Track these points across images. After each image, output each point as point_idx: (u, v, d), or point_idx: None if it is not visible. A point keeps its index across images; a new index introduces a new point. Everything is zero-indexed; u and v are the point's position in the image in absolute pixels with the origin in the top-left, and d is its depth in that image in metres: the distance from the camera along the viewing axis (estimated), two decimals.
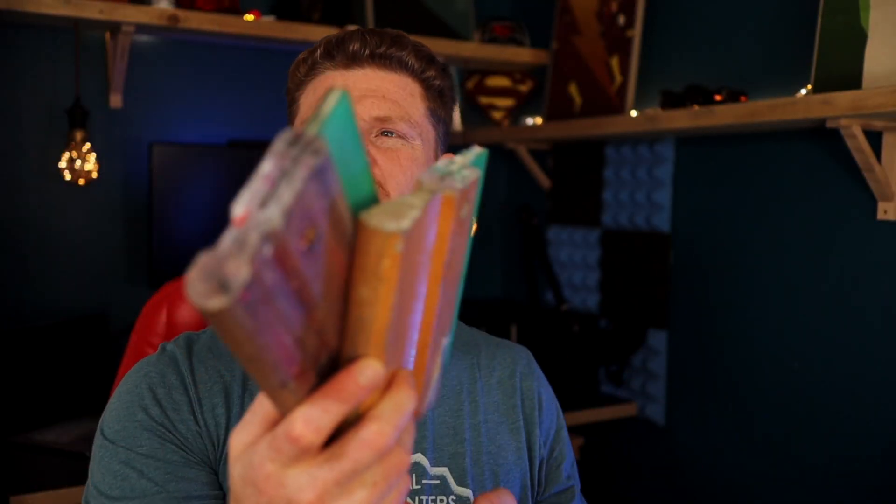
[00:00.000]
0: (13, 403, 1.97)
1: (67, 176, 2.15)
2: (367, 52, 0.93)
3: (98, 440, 0.88)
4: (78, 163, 2.14)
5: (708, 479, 2.16)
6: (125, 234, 2.36)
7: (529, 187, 2.81)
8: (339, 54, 0.94)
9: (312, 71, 0.96)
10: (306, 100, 0.96)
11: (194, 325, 1.33)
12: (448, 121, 1.03)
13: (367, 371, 0.44)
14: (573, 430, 2.50)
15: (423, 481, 0.93)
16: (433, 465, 0.94)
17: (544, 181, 2.72)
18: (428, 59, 0.98)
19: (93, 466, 0.87)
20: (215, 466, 0.87)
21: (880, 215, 1.74)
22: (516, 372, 1.07)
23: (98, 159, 2.20)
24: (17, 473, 1.78)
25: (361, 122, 0.92)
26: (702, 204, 2.18)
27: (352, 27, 0.98)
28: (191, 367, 0.91)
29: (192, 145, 2.34)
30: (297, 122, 0.97)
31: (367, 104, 0.92)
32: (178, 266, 2.17)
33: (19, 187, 2.22)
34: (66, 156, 2.15)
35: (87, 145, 2.16)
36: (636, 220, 2.36)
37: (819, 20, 1.73)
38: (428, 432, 0.96)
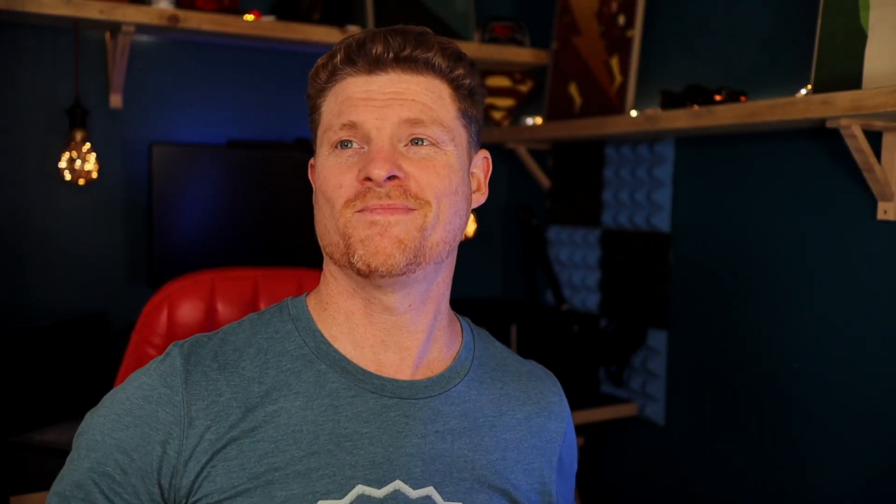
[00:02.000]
0: (13, 403, 1.97)
1: (67, 176, 2.15)
2: (390, 55, 0.89)
3: (77, 444, 0.89)
4: (78, 163, 2.14)
5: (708, 479, 2.16)
6: (125, 234, 2.36)
7: (529, 187, 2.81)
8: (361, 59, 0.89)
9: (333, 77, 0.91)
10: (328, 107, 0.92)
11: (195, 325, 1.33)
12: (480, 119, 0.98)
13: None
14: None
15: None
16: (447, 499, 0.90)
17: (544, 181, 2.72)
18: (456, 56, 0.92)
19: (63, 472, 0.88)
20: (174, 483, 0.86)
21: (880, 215, 1.74)
22: (545, 410, 1.01)
23: (98, 159, 2.20)
24: (17, 473, 1.78)
25: (391, 133, 0.87)
26: (702, 204, 2.18)
27: (370, 29, 0.96)
28: (186, 392, 0.88)
29: (192, 145, 2.34)
30: (321, 130, 0.93)
31: (395, 108, 0.88)
32: (178, 266, 2.17)
33: (19, 187, 2.22)
34: (66, 156, 2.15)
35: (87, 145, 2.16)
36: (636, 220, 2.37)
37: (819, 20, 1.73)
38: (444, 465, 0.91)
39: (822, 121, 1.68)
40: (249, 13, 2.26)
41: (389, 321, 0.92)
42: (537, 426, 0.99)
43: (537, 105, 2.77)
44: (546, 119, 2.59)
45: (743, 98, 1.94)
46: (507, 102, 2.79)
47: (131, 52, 2.29)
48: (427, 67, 0.90)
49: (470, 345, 1.01)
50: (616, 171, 2.44)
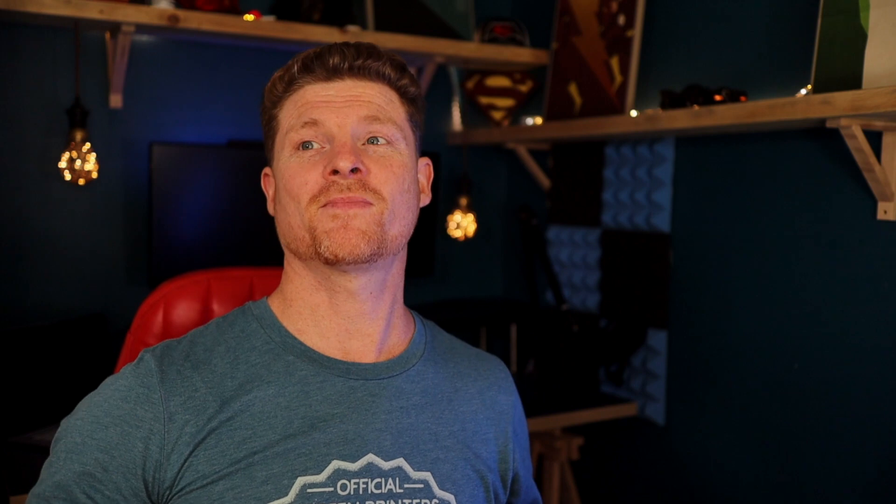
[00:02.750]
0: (13, 403, 1.97)
1: (67, 176, 2.15)
2: (346, 64, 0.97)
3: (56, 448, 0.92)
4: (78, 163, 2.14)
5: (708, 479, 2.16)
6: (125, 234, 2.36)
7: (529, 187, 2.81)
8: (319, 68, 0.97)
9: (291, 86, 0.99)
10: (287, 113, 0.98)
11: (190, 326, 1.32)
12: (422, 127, 1.08)
13: None
14: (573, 430, 2.50)
15: (406, 486, 0.95)
16: (416, 469, 0.96)
17: (544, 181, 2.72)
18: (401, 68, 1.01)
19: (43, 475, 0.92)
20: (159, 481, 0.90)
21: (880, 215, 1.74)
22: (494, 384, 1.11)
23: (98, 159, 2.20)
24: (17, 473, 1.78)
25: (351, 130, 0.95)
26: (702, 204, 2.18)
27: (350, 28, 1.01)
28: (163, 390, 0.93)
29: (192, 145, 2.34)
30: (280, 135, 0.99)
31: (354, 108, 0.96)
32: (178, 266, 2.17)
33: (19, 187, 2.22)
34: (66, 156, 2.15)
35: (87, 145, 2.16)
36: (636, 220, 2.36)
37: (819, 20, 1.73)
38: (411, 437, 0.98)
39: (822, 121, 1.68)
40: (249, 13, 2.26)
41: (353, 309, 1.00)
42: (490, 399, 1.09)
43: (537, 105, 2.77)
44: (546, 119, 2.59)
45: (743, 98, 1.94)
46: (507, 102, 2.79)
47: (131, 52, 2.29)
48: (378, 76, 0.99)
49: (422, 331, 1.10)
50: (616, 171, 2.44)
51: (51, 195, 2.26)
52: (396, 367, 1.02)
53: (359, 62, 0.97)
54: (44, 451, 1.86)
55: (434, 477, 0.97)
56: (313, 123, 0.95)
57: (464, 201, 2.77)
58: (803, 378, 1.92)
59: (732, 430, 2.08)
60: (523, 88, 2.78)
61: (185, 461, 0.89)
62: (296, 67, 0.98)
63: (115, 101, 2.30)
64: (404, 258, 1.07)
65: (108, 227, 2.34)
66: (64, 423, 0.94)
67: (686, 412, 2.23)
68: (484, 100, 2.80)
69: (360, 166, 0.93)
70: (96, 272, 2.32)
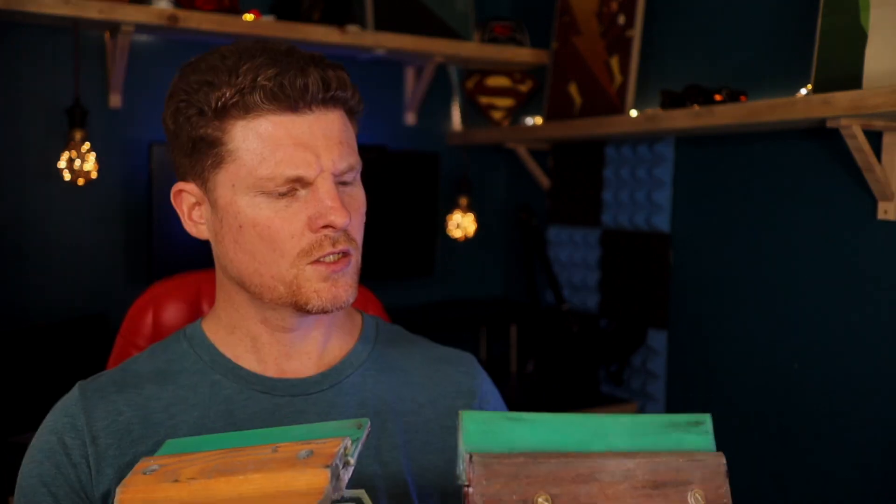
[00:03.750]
0: (13, 403, 1.97)
1: (67, 176, 2.15)
2: (318, 95, 0.89)
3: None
4: (77, 163, 2.14)
5: None
6: (125, 234, 2.36)
7: (529, 187, 2.81)
8: (283, 95, 0.87)
9: (248, 113, 0.88)
10: (250, 147, 0.88)
11: (180, 327, 1.31)
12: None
13: None
14: None
15: None
16: (349, 486, 0.93)
17: (544, 181, 2.72)
18: (354, 87, 0.94)
19: None
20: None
21: (880, 215, 1.74)
22: (451, 391, 1.04)
23: (98, 159, 2.20)
24: (16, 474, 1.78)
25: (332, 178, 0.89)
26: (702, 204, 2.18)
27: (278, 60, 0.91)
28: (86, 416, 0.93)
29: None
30: (241, 171, 0.88)
31: (334, 156, 0.89)
32: (177, 266, 2.17)
33: (19, 187, 2.22)
34: (65, 156, 2.14)
35: (87, 145, 2.16)
36: (636, 220, 2.36)
37: (819, 20, 1.73)
38: None
39: (822, 121, 1.68)
40: (249, 13, 2.26)
41: (294, 336, 0.98)
42: (444, 407, 1.02)
43: (537, 105, 2.76)
44: (546, 119, 2.59)
45: (743, 98, 1.94)
46: (507, 102, 2.79)
47: (131, 52, 2.29)
48: (342, 103, 0.93)
49: (370, 338, 1.05)
50: (616, 171, 2.44)
51: (50, 195, 2.25)
52: (326, 381, 0.98)
53: (330, 94, 0.90)
54: None
55: (369, 494, 0.91)
56: (297, 180, 0.88)
57: (464, 201, 2.77)
58: (803, 378, 1.92)
59: (732, 430, 2.08)
60: (523, 88, 2.78)
61: (111, 484, 0.90)
62: (258, 96, 0.87)
63: (115, 100, 2.30)
64: None
65: (108, 227, 2.34)
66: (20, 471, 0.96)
67: (686, 412, 2.22)
68: (484, 100, 2.80)
69: (349, 219, 0.90)
70: (96, 272, 2.32)
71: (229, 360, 0.98)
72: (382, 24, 2.50)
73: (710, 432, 0.72)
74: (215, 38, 2.33)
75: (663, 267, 2.28)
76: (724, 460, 0.70)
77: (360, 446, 0.70)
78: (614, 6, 2.37)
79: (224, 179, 0.90)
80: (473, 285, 2.95)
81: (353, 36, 2.38)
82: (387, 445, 0.96)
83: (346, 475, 0.68)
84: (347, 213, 0.89)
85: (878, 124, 1.66)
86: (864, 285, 1.79)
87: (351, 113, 0.96)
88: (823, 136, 1.84)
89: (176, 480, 0.67)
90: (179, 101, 0.91)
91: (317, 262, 0.90)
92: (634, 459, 0.67)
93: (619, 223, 2.44)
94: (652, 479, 0.67)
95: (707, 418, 0.73)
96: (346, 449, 0.67)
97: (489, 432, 0.66)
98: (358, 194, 0.95)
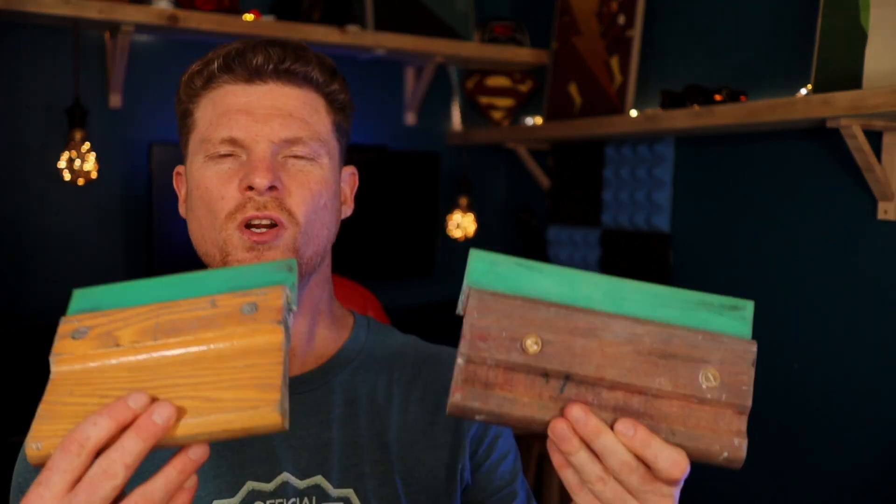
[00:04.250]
0: (13, 403, 1.97)
1: (67, 176, 2.15)
2: (270, 66, 0.90)
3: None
4: (77, 163, 2.14)
5: (707, 478, 2.16)
6: (125, 234, 2.36)
7: (529, 187, 2.81)
8: (240, 68, 0.90)
9: (209, 84, 0.92)
10: (204, 115, 0.91)
11: None
12: (349, 134, 1.01)
13: (135, 396, 0.58)
14: None
15: None
16: (337, 486, 0.92)
17: (544, 181, 2.72)
18: (332, 71, 0.94)
19: None
20: None
21: (880, 215, 1.74)
22: (442, 388, 1.01)
23: (97, 159, 2.20)
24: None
25: (267, 144, 0.88)
26: (702, 204, 2.18)
27: (247, 40, 0.94)
28: None
29: None
30: (196, 138, 0.92)
31: (275, 125, 0.89)
32: (177, 266, 2.17)
33: (19, 187, 2.22)
34: (65, 155, 2.14)
35: (87, 145, 2.16)
36: (636, 220, 2.36)
37: (819, 20, 1.73)
38: (332, 453, 0.93)
39: (822, 121, 1.68)
40: (249, 13, 2.26)
41: None
42: (432, 405, 1.00)
43: (537, 105, 2.76)
44: (546, 119, 2.59)
45: (743, 98, 1.94)
46: (507, 102, 2.79)
47: (131, 52, 2.29)
48: (305, 81, 0.92)
49: (359, 338, 1.03)
50: (616, 171, 2.44)
51: (50, 195, 2.25)
52: (315, 381, 0.96)
53: (284, 65, 0.90)
54: None
55: (357, 493, 0.92)
56: (231, 142, 0.89)
57: (464, 201, 2.77)
58: (803, 378, 1.92)
59: None
60: (523, 88, 2.78)
61: None
62: (216, 64, 0.91)
63: (115, 101, 2.30)
64: (327, 267, 1.01)
65: (108, 227, 2.34)
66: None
67: None
68: (484, 100, 2.80)
69: (278, 184, 0.87)
70: (96, 272, 2.32)
71: None
72: (382, 24, 2.50)
73: (747, 319, 0.64)
74: (215, 38, 2.33)
75: (663, 267, 2.28)
76: (754, 348, 0.63)
77: (297, 291, 0.66)
78: (614, 6, 2.37)
79: (189, 150, 0.94)
80: None
81: (353, 36, 2.38)
82: (376, 444, 0.95)
83: (292, 324, 0.67)
84: (273, 176, 0.86)
85: (878, 124, 1.66)
86: (864, 285, 1.79)
87: (330, 101, 0.94)
88: (823, 136, 1.84)
89: (117, 345, 0.63)
90: (177, 88, 0.96)
91: (245, 228, 0.88)
92: (645, 326, 0.62)
93: (619, 223, 2.44)
94: (661, 348, 0.61)
95: (748, 305, 0.65)
96: (288, 298, 0.65)
97: (495, 273, 0.63)
98: (311, 171, 0.91)
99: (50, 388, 0.62)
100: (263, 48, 0.90)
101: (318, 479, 0.91)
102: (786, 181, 1.95)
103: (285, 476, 0.91)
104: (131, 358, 0.62)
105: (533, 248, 2.64)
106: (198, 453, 0.60)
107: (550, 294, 0.63)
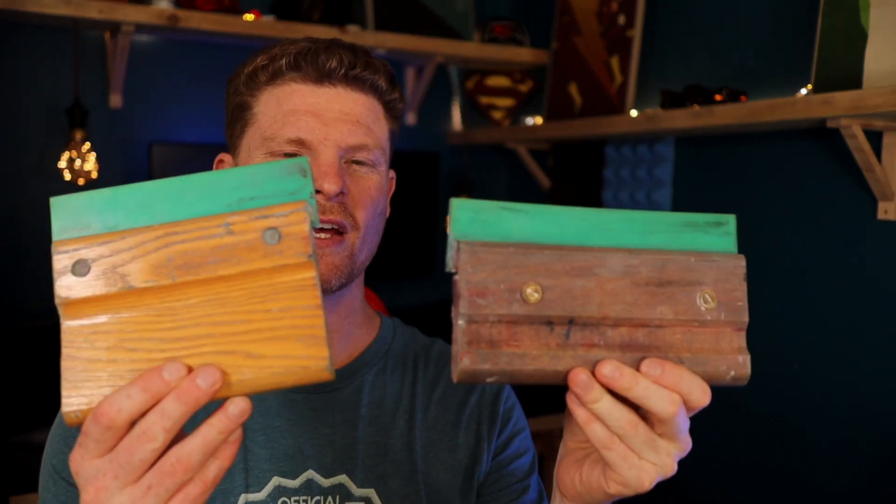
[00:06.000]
0: (13, 403, 1.97)
1: (67, 176, 2.15)
2: (342, 71, 0.90)
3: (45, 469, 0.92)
4: (77, 162, 2.14)
5: (708, 478, 2.16)
6: None
7: (529, 187, 2.81)
8: (310, 67, 0.90)
9: (275, 79, 0.91)
10: (268, 111, 0.91)
11: None
12: (396, 141, 1.03)
13: (171, 367, 0.53)
14: None
15: (347, 503, 0.92)
16: (360, 486, 0.93)
17: (544, 181, 2.72)
18: (393, 80, 0.96)
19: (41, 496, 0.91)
20: None
21: (881, 215, 1.74)
22: (464, 386, 1.03)
23: (98, 159, 2.20)
24: (16, 474, 1.78)
25: (336, 150, 0.89)
26: (702, 204, 2.18)
27: (315, 38, 0.95)
28: None
29: (192, 145, 2.34)
30: (257, 134, 0.91)
31: (343, 130, 0.90)
32: None
33: (19, 187, 2.22)
34: (65, 155, 2.15)
35: (87, 145, 2.16)
36: None
37: (819, 20, 1.73)
38: (356, 452, 0.94)
39: (823, 121, 1.68)
40: (249, 13, 2.26)
41: None
42: (454, 405, 1.01)
43: (537, 105, 2.76)
44: (546, 119, 2.59)
45: (743, 98, 1.94)
46: (507, 102, 2.79)
47: (131, 52, 2.29)
48: (371, 88, 0.93)
49: (386, 339, 1.04)
50: (616, 171, 2.44)
51: (50, 195, 2.24)
52: (342, 380, 0.97)
53: (355, 71, 0.90)
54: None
55: (379, 493, 0.93)
56: (299, 142, 0.89)
57: None
58: (803, 378, 1.92)
59: (732, 430, 2.08)
60: (523, 88, 2.78)
61: None
62: (284, 61, 0.90)
63: (115, 100, 2.30)
64: (362, 272, 1.02)
65: None
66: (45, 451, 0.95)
67: None
68: (484, 100, 2.80)
69: (345, 190, 0.89)
70: None
71: None
72: (382, 24, 2.50)
73: (731, 234, 0.66)
74: (215, 38, 2.33)
75: None
76: (743, 262, 0.65)
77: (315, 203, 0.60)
78: (614, 6, 2.37)
79: (245, 143, 0.93)
80: None
81: (353, 36, 2.38)
82: (400, 445, 0.96)
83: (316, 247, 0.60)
84: (342, 181, 0.87)
85: (878, 124, 1.66)
86: (865, 285, 1.79)
87: (386, 107, 0.96)
88: (824, 136, 1.84)
89: (130, 287, 0.55)
90: (230, 78, 0.96)
91: None
92: (639, 256, 0.61)
93: None
94: (657, 276, 0.61)
95: (731, 219, 0.67)
96: (311, 220, 0.58)
97: (481, 221, 0.60)
98: (371, 178, 0.92)
99: (66, 338, 0.55)
100: (337, 51, 0.90)
101: (343, 479, 0.93)
102: (786, 181, 1.95)
103: (310, 473, 0.92)
104: (150, 303, 0.56)
105: None
106: (238, 410, 0.54)
107: (541, 235, 0.61)
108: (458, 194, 2.77)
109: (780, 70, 1.96)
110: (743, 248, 2.21)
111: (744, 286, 0.64)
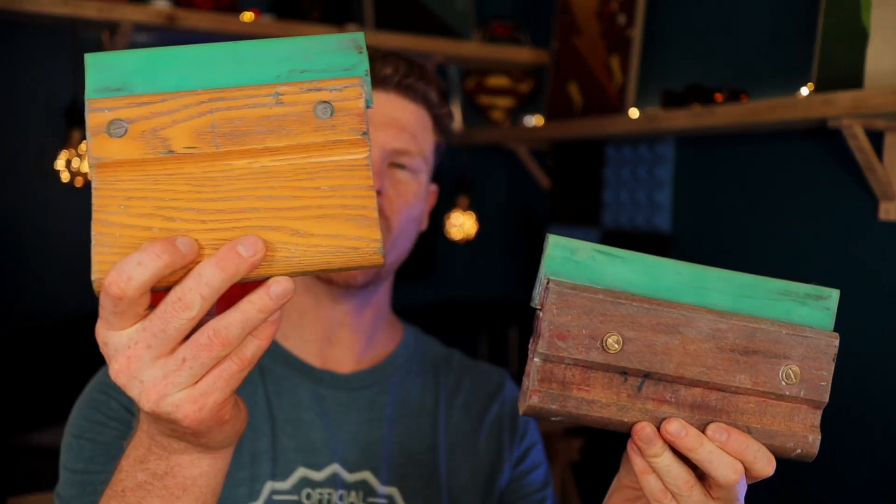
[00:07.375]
0: (13, 403, 1.97)
1: (65, 176, 2.15)
2: (396, 79, 0.94)
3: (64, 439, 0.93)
4: (76, 163, 2.13)
5: None
6: None
7: (529, 187, 2.81)
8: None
9: None
10: None
11: None
12: (442, 155, 1.06)
13: (183, 239, 0.49)
14: (573, 432, 2.49)
15: (370, 499, 0.93)
16: (384, 483, 0.95)
17: (544, 181, 2.72)
18: (444, 94, 1.00)
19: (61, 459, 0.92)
20: None
21: (882, 215, 1.74)
22: (484, 396, 1.06)
23: None
24: (16, 474, 1.78)
25: (379, 151, 0.92)
26: (702, 204, 2.18)
27: (374, 47, 0.98)
28: None
29: None
30: None
31: (389, 134, 0.93)
32: None
33: (17, 187, 2.22)
34: (63, 156, 2.14)
35: (85, 145, 2.16)
36: (636, 220, 2.36)
37: (820, 19, 1.73)
38: (381, 451, 0.96)
39: (824, 121, 1.68)
40: (248, 12, 2.26)
41: (334, 317, 0.99)
42: (476, 412, 1.04)
43: (537, 105, 2.76)
44: (546, 119, 2.58)
45: (743, 98, 1.94)
46: (507, 102, 2.78)
47: None
48: (422, 98, 0.97)
49: (409, 345, 1.07)
50: (616, 171, 2.43)
51: (48, 195, 2.25)
52: (370, 379, 1.00)
53: (408, 80, 0.95)
54: (43, 452, 1.85)
55: (402, 492, 0.95)
56: None
57: (464, 201, 2.76)
58: None
59: None
60: (523, 88, 2.78)
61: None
62: None
63: None
64: (392, 277, 1.06)
65: None
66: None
67: None
68: (484, 100, 2.79)
69: (382, 190, 0.92)
70: None
71: (277, 344, 0.98)
72: (382, 24, 2.49)
73: (831, 309, 0.63)
74: (214, 38, 2.33)
75: None
76: (836, 342, 0.62)
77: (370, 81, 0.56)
78: (614, 6, 2.37)
79: None
80: (473, 286, 2.94)
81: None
82: (424, 447, 0.98)
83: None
84: (380, 181, 0.91)
85: (879, 124, 1.66)
86: (866, 285, 1.78)
87: (435, 119, 1.00)
88: (824, 136, 1.84)
89: (170, 151, 0.51)
90: None
91: None
92: (729, 321, 0.59)
93: (619, 223, 2.44)
94: (744, 344, 0.59)
95: (833, 294, 0.64)
96: (366, 98, 0.54)
97: (574, 262, 0.60)
98: (410, 183, 0.95)
99: (97, 202, 0.51)
100: (393, 60, 0.94)
101: (367, 475, 0.94)
102: (787, 181, 1.95)
103: (336, 468, 0.93)
104: (191, 172, 0.51)
105: (533, 248, 2.64)
106: (281, 290, 0.50)
107: (632, 285, 0.60)
108: (457, 194, 2.76)
109: (781, 70, 1.95)
110: (743, 247, 2.20)
111: (831, 366, 0.62)
